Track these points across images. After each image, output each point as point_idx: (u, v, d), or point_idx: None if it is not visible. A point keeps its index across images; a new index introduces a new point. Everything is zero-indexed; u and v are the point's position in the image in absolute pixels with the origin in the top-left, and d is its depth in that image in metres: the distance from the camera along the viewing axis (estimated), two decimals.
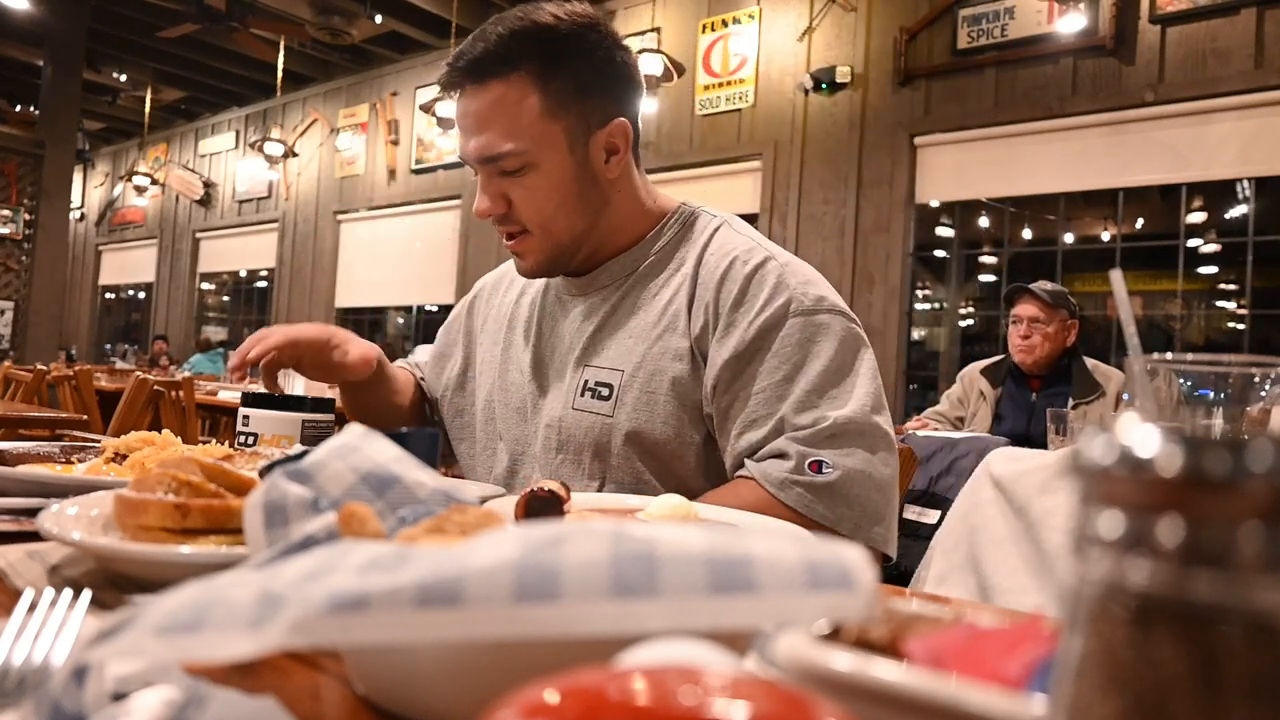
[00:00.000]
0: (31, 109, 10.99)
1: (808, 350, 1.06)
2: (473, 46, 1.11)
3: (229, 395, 4.74)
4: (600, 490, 1.13)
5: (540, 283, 1.32)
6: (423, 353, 1.51)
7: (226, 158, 11.33)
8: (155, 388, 3.46)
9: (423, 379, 1.45)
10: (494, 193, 1.14)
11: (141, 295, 12.96)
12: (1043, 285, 3.19)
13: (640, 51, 5.94)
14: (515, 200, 1.13)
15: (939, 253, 6.20)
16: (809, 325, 1.08)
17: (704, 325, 1.11)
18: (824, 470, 1.00)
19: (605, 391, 1.14)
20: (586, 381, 1.16)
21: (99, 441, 1.21)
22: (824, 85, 6.01)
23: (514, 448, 1.25)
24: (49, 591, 0.47)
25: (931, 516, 2.63)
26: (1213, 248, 5.24)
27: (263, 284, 11.05)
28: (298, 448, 1.01)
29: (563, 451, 1.16)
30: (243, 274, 11.44)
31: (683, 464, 1.12)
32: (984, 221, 6.16)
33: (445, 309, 8.88)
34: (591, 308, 1.21)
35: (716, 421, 1.10)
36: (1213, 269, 5.49)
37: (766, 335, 1.07)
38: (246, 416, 1.11)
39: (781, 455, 1.03)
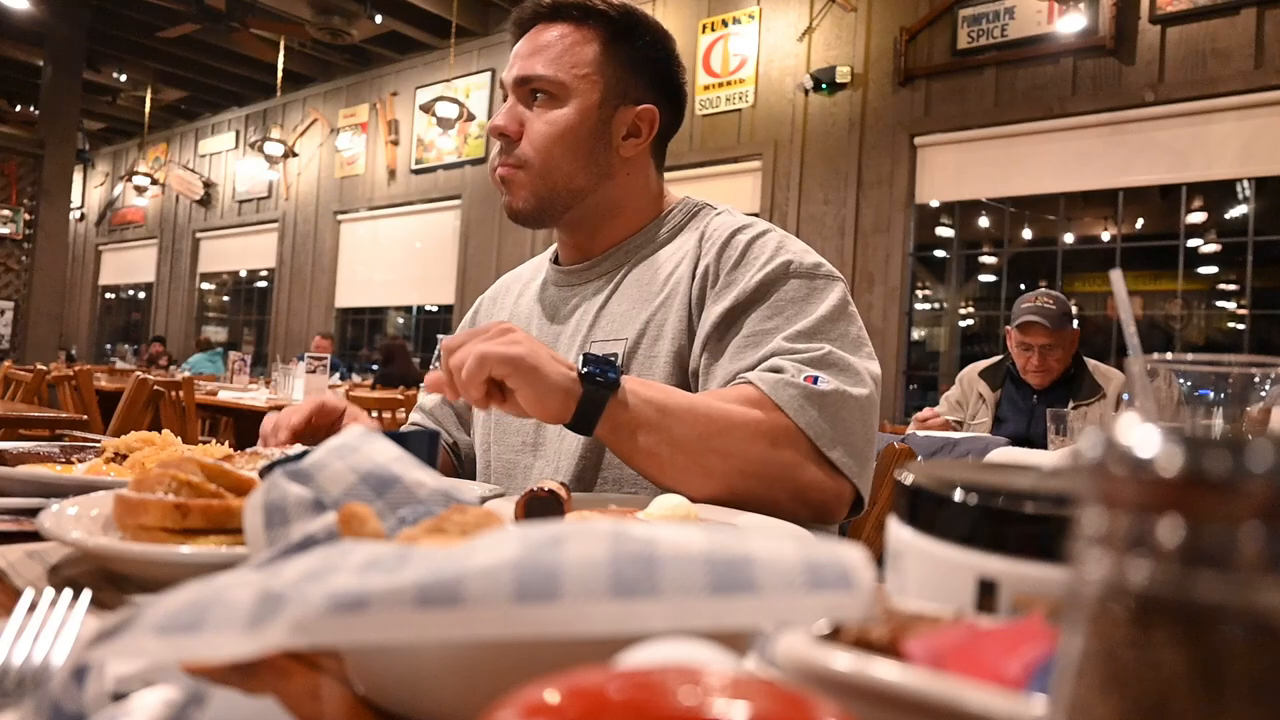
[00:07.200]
0: (31, 109, 10.99)
1: (805, 305, 1.08)
2: None
3: (229, 395, 4.75)
4: (601, 459, 1.12)
5: (538, 281, 1.34)
6: (430, 399, 1.45)
7: (226, 158, 11.34)
8: (155, 388, 3.46)
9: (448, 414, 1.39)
10: (515, 114, 1.17)
11: (141, 295, 12.97)
12: (1046, 306, 3.03)
13: None
14: (529, 130, 1.16)
15: (939, 253, 6.21)
16: (807, 285, 1.09)
17: (703, 288, 1.13)
18: (819, 383, 1.00)
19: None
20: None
21: (99, 441, 1.21)
22: (824, 85, 6.01)
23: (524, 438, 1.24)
24: (49, 591, 0.47)
25: None
26: (1213, 248, 5.25)
27: (263, 284, 11.06)
28: (298, 447, 1.01)
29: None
30: (243, 274, 11.45)
31: None
32: (984, 221, 6.17)
33: (445, 309, 8.88)
34: (596, 290, 1.24)
35: (704, 368, 1.10)
36: (1213, 269, 5.50)
37: (765, 290, 1.09)
38: None
39: (777, 370, 1.02)
